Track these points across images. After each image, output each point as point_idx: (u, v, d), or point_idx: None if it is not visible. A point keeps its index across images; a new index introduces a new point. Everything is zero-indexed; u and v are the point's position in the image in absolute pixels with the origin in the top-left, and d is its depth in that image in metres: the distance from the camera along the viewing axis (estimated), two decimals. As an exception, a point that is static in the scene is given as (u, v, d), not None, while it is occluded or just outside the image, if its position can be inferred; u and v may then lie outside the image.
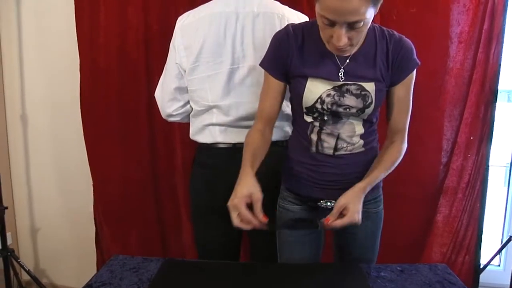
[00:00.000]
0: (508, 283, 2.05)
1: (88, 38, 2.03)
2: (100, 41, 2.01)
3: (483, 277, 2.12)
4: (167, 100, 1.49)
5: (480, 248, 2.04)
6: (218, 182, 1.43)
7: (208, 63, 1.39)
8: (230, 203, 1.06)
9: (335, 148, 1.21)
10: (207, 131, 1.45)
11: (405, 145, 1.23)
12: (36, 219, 2.48)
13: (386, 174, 1.19)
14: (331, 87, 1.14)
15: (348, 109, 1.15)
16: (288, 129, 1.45)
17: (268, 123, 1.25)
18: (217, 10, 1.38)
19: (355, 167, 1.22)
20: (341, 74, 1.13)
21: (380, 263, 1.26)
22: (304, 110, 1.20)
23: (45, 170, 2.39)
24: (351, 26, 0.99)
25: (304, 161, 1.26)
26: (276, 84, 1.22)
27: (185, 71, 1.44)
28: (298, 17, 1.42)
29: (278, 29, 1.25)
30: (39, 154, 2.39)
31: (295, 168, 1.28)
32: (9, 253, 2.13)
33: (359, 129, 1.20)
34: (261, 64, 1.23)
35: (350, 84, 1.13)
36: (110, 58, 2.02)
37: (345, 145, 1.21)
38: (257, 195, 1.07)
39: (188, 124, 1.54)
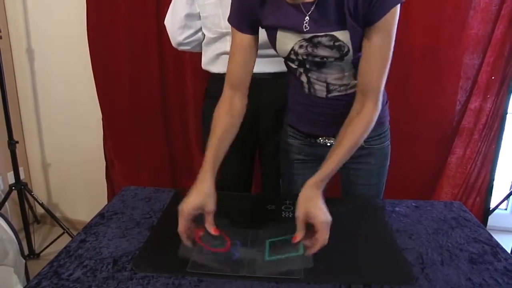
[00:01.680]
0: (515, 226, 2.07)
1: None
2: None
3: (491, 220, 2.13)
4: (177, 27, 1.43)
5: (491, 191, 2.04)
6: None
7: None
8: (179, 207, 0.93)
9: (328, 91, 1.12)
10: (220, 60, 1.40)
11: (377, 111, 1.02)
12: (47, 154, 2.50)
13: (349, 155, 1.01)
14: (301, 38, 1.01)
15: (325, 59, 1.03)
16: None
17: (238, 88, 1.09)
18: None
19: (351, 105, 1.08)
20: (305, 23, 0.98)
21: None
22: (283, 59, 1.12)
23: (54, 105, 2.37)
24: None
25: (300, 100, 1.20)
26: (244, 40, 1.06)
27: None
28: None
29: None
30: (48, 89, 2.36)
31: (293, 106, 1.24)
32: (22, 186, 2.17)
33: (349, 68, 1.07)
34: (229, 21, 1.08)
35: (321, 36, 0.99)
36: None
37: (336, 87, 1.11)
38: (209, 207, 0.94)
39: (200, 55, 1.48)
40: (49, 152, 2.49)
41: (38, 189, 2.57)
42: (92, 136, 2.29)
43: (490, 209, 2.08)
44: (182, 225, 0.91)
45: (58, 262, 0.89)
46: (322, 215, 0.89)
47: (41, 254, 2.29)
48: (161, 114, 2.09)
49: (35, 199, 2.25)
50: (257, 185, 1.73)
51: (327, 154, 1.01)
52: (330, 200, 0.93)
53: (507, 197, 2.15)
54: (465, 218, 1.12)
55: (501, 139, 1.95)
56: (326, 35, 0.98)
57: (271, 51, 1.33)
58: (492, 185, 2.03)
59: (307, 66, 1.09)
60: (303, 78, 1.13)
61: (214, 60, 1.42)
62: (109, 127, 2.18)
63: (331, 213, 0.89)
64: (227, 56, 1.35)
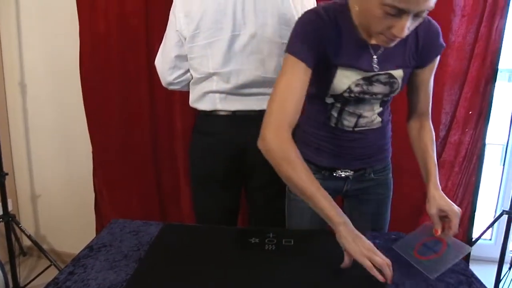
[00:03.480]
0: (498, 256, 2.10)
1: (88, 4, 2.00)
2: (100, 7, 1.98)
3: (474, 250, 2.17)
4: (167, 68, 1.48)
5: (473, 222, 2.09)
6: (218, 150, 1.44)
7: (208, 30, 1.37)
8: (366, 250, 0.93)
9: (355, 125, 1.22)
10: (207, 99, 1.45)
11: (430, 124, 1.25)
12: (36, 186, 2.51)
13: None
14: (361, 77, 1.10)
15: (374, 95, 1.15)
16: None
17: (293, 125, 1.05)
18: None
19: (374, 139, 1.26)
20: (374, 64, 1.09)
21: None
22: (329, 95, 1.16)
23: (45, 137, 2.40)
24: (418, 15, 0.92)
25: (321, 134, 1.25)
26: (306, 75, 1.04)
27: (185, 39, 1.43)
28: None
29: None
30: (39, 121, 2.39)
31: (312, 140, 1.28)
32: (10, 218, 2.17)
33: (377, 108, 1.21)
34: (292, 52, 1.04)
35: (381, 74, 1.11)
36: (110, 25, 1.99)
37: (364, 122, 1.22)
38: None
39: (188, 91, 1.54)
40: (39, 183, 2.50)
41: (26, 221, 2.55)
42: (82, 169, 2.31)
43: (473, 239, 2.13)
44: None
45: (46, 295, 0.91)
46: (453, 207, 1.06)
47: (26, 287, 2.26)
48: (151, 148, 2.13)
49: (22, 231, 2.24)
50: (244, 220, 1.76)
51: (338, 186, 1.27)
52: (313, 234, 0.96)
53: (489, 226, 2.20)
54: (443, 249, 1.15)
55: (481, 170, 2.02)
56: (385, 73, 1.11)
57: (258, 89, 1.40)
58: (474, 216, 2.08)
59: (349, 100, 1.16)
60: (334, 112, 1.20)
61: (201, 98, 1.47)
62: (99, 159, 2.21)
63: (315, 246, 0.93)
64: (214, 94, 1.42)
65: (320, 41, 1.04)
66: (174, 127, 2.09)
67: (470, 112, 1.91)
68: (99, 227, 2.29)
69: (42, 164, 2.46)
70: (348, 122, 1.21)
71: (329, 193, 1.00)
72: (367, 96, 1.14)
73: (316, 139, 1.27)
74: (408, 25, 0.91)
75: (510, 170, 2.31)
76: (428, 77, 1.19)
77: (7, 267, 2.13)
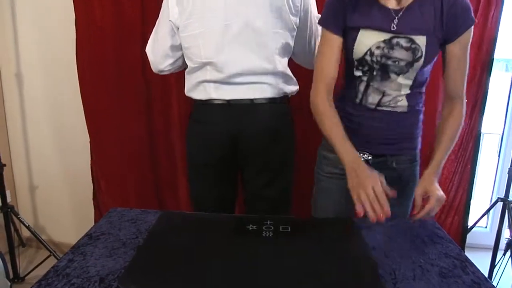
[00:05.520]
0: (493, 243, 2.13)
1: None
2: (96, 0, 1.97)
3: (470, 237, 2.20)
4: (159, 56, 1.50)
5: (468, 210, 2.11)
6: (213, 138, 1.46)
7: (201, 19, 1.38)
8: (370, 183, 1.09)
9: (379, 103, 1.25)
10: (201, 88, 1.45)
11: (464, 111, 1.25)
12: (34, 176, 2.52)
13: (451, 148, 1.24)
14: (382, 39, 1.17)
15: (397, 62, 1.18)
16: (282, 86, 1.46)
17: (331, 87, 1.25)
18: None
19: (395, 126, 1.28)
20: (394, 24, 1.16)
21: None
22: (355, 62, 1.24)
23: (42, 128, 2.40)
24: None
25: (346, 110, 1.31)
26: (337, 41, 1.22)
27: (178, 28, 1.43)
28: None
29: None
30: (36, 112, 2.39)
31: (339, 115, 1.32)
32: (9, 209, 2.18)
33: (406, 90, 1.23)
34: (321, 23, 1.25)
35: (401, 37, 1.16)
36: (106, 15, 1.98)
37: (387, 101, 1.24)
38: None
39: (184, 80, 1.55)
40: (37, 174, 2.51)
41: (25, 212, 2.57)
42: (79, 159, 2.31)
43: (468, 227, 2.15)
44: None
45: (46, 281, 0.92)
46: (437, 191, 1.12)
47: (26, 278, 2.28)
48: (148, 137, 2.14)
49: (21, 221, 2.25)
50: (241, 209, 1.77)
51: None
52: (310, 221, 0.97)
53: (484, 214, 2.22)
54: (438, 235, 1.17)
55: (476, 159, 2.04)
56: (405, 37, 1.15)
57: (251, 78, 1.40)
58: (469, 204, 2.10)
59: (374, 73, 1.22)
60: (361, 87, 1.26)
61: (195, 88, 1.47)
62: (97, 148, 2.21)
63: (312, 232, 0.94)
64: (208, 83, 1.43)
65: (343, 8, 1.19)
66: (170, 116, 2.09)
67: (465, 101, 1.91)
68: (98, 217, 2.31)
69: (40, 155, 2.46)
70: (372, 98, 1.25)
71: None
72: (390, 62, 1.18)
73: (341, 115, 1.28)
74: None
75: (506, 159, 2.33)
76: (458, 54, 1.19)
77: (7, 258, 2.15)
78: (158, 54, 1.50)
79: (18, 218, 2.24)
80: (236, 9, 1.36)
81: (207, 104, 1.45)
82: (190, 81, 1.49)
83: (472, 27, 1.17)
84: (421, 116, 1.34)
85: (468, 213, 2.11)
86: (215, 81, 1.42)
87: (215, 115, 1.45)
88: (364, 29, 1.18)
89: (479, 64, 1.88)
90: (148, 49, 1.53)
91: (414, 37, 1.15)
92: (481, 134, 2.03)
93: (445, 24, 1.15)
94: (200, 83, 1.45)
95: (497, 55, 1.89)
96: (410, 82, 1.22)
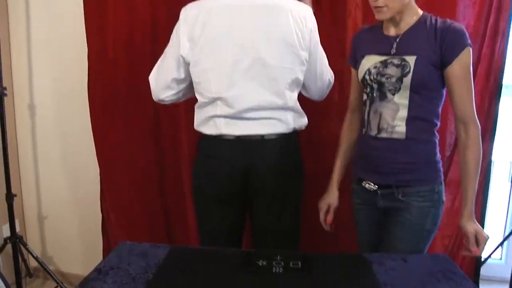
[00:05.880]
0: (509, 275, 2.07)
1: (96, 30, 2.05)
2: (108, 33, 2.04)
3: (484, 270, 2.14)
4: (161, 87, 1.51)
5: (481, 241, 2.06)
6: (221, 172, 1.45)
7: (212, 54, 1.39)
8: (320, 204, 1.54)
9: (378, 129, 1.32)
10: (211, 123, 1.45)
11: (478, 130, 1.29)
12: (44, 206, 2.52)
13: (477, 178, 1.30)
14: (379, 60, 1.31)
15: (389, 78, 1.28)
16: (292, 121, 1.47)
17: (356, 111, 1.51)
18: (225, 2, 1.39)
19: (393, 154, 1.31)
20: (393, 49, 1.30)
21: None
22: (362, 85, 1.39)
23: (53, 158, 2.42)
24: None
25: (358, 142, 1.46)
26: (356, 74, 1.44)
27: (188, 64, 1.44)
28: (303, 8, 1.45)
29: (289, 23, 1.36)
30: (47, 143, 2.42)
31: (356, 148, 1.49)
32: (17, 239, 2.18)
33: (403, 112, 1.28)
34: (347, 63, 1.51)
35: (395, 58, 1.28)
36: (118, 50, 2.04)
37: (385, 125, 1.31)
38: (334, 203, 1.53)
39: (193, 112, 1.55)
40: (46, 204, 2.52)
41: (33, 242, 2.56)
42: (89, 190, 2.33)
43: (482, 259, 2.10)
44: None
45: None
46: (484, 234, 1.24)
47: (32, 310, 2.25)
48: (157, 168, 2.15)
49: (29, 252, 2.25)
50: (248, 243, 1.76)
51: (371, 199, 1.39)
52: (320, 257, 0.96)
53: (499, 245, 2.17)
54: (451, 271, 1.15)
55: (488, 188, 2.01)
56: (399, 57, 1.28)
57: (261, 114, 1.42)
58: (482, 235, 2.05)
59: (374, 94, 1.33)
60: (366, 114, 1.38)
61: (205, 122, 1.47)
62: (106, 180, 2.22)
63: (322, 268, 0.93)
64: (218, 118, 1.43)
65: (357, 44, 1.45)
66: (179, 149, 2.11)
67: (478, 123, 1.91)
68: (106, 248, 2.29)
69: (50, 185, 2.48)
70: (373, 124, 1.33)
71: (368, 207, 1.42)
72: (383, 79, 1.29)
73: (357, 148, 1.47)
74: None
75: (518, 187, 2.30)
76: (459, 75, 1.24)
77: (14, 289, 2.14)
78: (160, 84, 1.50)
79: (27, 249, 2.24)
80: (247, 44, 1.37)
81: (217, 139, 1.45)
82: (200, 115, 1.49)
83: (470, 49, 1.24)
84: (429, 149, 1.33)
85: (481, 244, 2.06)
86: (225, 116, 1.42)
87: (225, 151, 1.44)
88: (368, 55, 1.36)
89: (487, 95, 1.88)
90: (151, 77, 1.54)
91: (406, 57, 1.26)
92: (492, 162, 2.01)
93: (440, 47, 1.23)
94: (211, 118, 1.45)
95: (507, 81, 1.89)
96: (406, 102, 1.27)
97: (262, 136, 1.42)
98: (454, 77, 1.24)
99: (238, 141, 1.43)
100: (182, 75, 1.47)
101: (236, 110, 1.41)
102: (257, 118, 1.41)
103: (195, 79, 1.46)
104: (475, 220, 1.28)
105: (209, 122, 1.46)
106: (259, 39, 1.37)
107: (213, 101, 1.43)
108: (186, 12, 1.43)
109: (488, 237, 1.25)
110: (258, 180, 1.45)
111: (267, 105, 1.41)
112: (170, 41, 1.48)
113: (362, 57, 1.38)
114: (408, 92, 1.26)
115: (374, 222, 1.44)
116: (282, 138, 1.45)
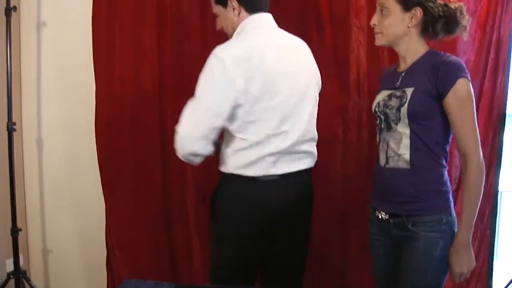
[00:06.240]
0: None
1: (104, 69, 2.11)
2: (116, 71, 2.09)
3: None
4: (198, 137, 1.33)
5: (491, 276, 2.02)
6: (259, 212, 1.41)
7: (268, 92, 1.34)
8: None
9: (386, 158, 1.37)
10: (259, 164, 1.39)
11: (478, 169, 1.28)
12: (48, 241, 2.51)
13: (475, 208, 1.30)
14: (387, 94, 1.39)
15: (391, 109, 1.34)
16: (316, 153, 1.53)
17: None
18: (265, 39, 1.41)
19: (402, 183, 1.33)
20: (398, 82, 1.38)
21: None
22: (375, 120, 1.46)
23: (59, 193, 2.43)
24: (381, 11, 1.33)
25: (373, 173, 1.48)
26: None
27: (240, 105, 1.33)
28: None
29: (312, 58, 1.52)
30: (53, 178, 2.43)
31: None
32: (21, 275, 2.16)
33: (406, 140, 1.32)
34: None
35: (398, 90, 1.35)
36: (125, 89, 2.09)
37: (392, 154, 1.35)
38: None
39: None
40: (51, 239, 2.50)
41: (37, 276, 2.52)
42: (94, 225, 2.32)
43: (496, 294, 2.05)
44: None
45: None
46: (454, 268, 1.30)
47: None
48: (163, 204, 2.15)
49: (32, 287, 2.22)
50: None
51: (385, 229, 1.39)
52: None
53: (511, 282, 2.12)
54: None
55: (495, 221, 1.98)
56: (401, 90, 1.34)
57: (303, 147, 1.47)
58: (492, 270, 2.01)
59: (382, 126, 1.40)
60: (378, 145, 1.43)
61: (253, 164, 1.39)
62: (112, 215, 2.22)
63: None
64: (270, 157, 1.38)
65: (380, 83, 1.54)
66: (186, 183, 2.12)
67: (481, 155, 1.90)
68: (110, 284, 2.27)
69: (55, 220, 2.47)
70: (382, 154, 1.39)
71: (383, 237, 1.42)
72: (387, 110, 1.36)
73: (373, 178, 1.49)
74: (375, 18, 1.36)
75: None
76: (454, 107, 1.27)
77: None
78: (198, 134, 1.32)
79: (30, 284, 2.21)
80: (296, 78, 1.42)
81: (258, 180, 1.39)
82: (245, 157, 1.39)
83: (465, 80, 1.27)
84: (435, 178, 1.34)
85: (492, 279, 2.02)
86: (277, 153, 1.39)
87: (266, 191, 1.41)
88: (382, 90, 1.45)
89: (491, 128, 1.88)
90: (184, 129, 1.33)
91: (406, 89, 1.33)
92: (499, 193, 2.00)
93: (435, 79, 1.27)
94: (262, 157, 1.38)
95: (508, 110, 1.91)
96: (407, 131, 1.31)
97: (304, 172, 1.47)
98: (451, 109, 1.27)
99: (280, 181, 1.41)
100: (226, 121, 1.35)
101: (286, 145, 1.39)
102: (300, 152, 1.45)
103: (249, 118, 1.35)
104: (463, 249, 1.29)
105: (257, 163, 1.39)
106: (301, 73, 1.45)
107: (266, 139, 1.37)
108: (229, 53, 1.32)
109: (462, 272, 1.29)
110: (292, 224, 1.46)
111: (312, 136, 1.49)
112: (211, 83, 1.33)
113: (378, 92, 1.47)
114: (407, 121, 1.30)
115: (389, 251, 1.43)
116: (309, 173, 1.50)
